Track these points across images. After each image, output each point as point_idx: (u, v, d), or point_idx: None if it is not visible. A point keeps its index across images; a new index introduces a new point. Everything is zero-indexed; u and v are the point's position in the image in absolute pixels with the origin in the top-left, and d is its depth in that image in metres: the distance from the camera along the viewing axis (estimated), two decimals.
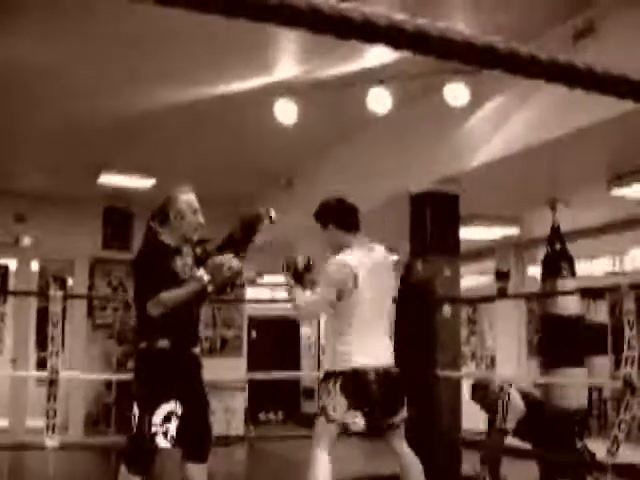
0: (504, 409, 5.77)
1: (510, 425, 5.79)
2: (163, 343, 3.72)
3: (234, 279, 3.95)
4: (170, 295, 3.71)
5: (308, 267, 4.27)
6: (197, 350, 3.93)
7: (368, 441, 4.42)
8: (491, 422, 6.09)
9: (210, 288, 3.82)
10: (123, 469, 3.74)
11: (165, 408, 3.65)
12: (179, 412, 3.70)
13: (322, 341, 14.30)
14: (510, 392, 5.88)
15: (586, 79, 0.93)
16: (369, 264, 4.18)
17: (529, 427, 5.87)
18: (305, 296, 4.20)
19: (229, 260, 3.83)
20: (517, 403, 5.85)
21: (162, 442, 3.66)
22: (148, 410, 3.66)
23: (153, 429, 3.63)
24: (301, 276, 4.24)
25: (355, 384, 4.04)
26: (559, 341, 6.76)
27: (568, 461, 5.64)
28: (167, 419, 3.65)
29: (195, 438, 3.80)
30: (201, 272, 3.78)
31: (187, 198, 3.95)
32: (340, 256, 4.19)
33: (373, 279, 4.16)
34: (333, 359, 4.14)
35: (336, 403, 4.02)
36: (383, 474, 4.62)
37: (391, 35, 0.85)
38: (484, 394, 5.99)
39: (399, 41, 0.87)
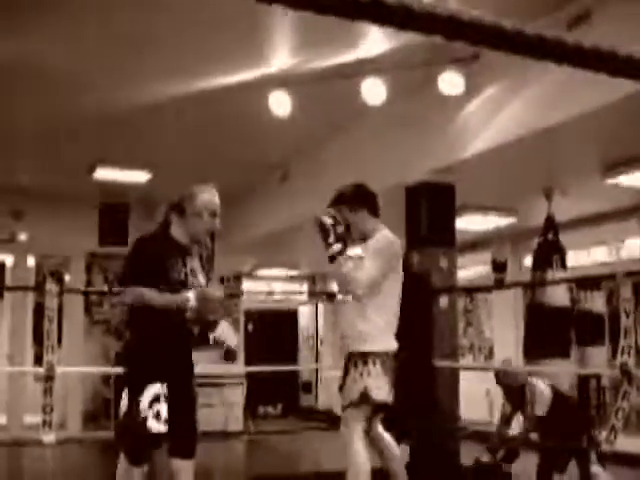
0: (531, 396, 5.74)
1: (540, 412, 5.73)
2: (152, 332, 3.64)
3: (217, 316, 3.75)
4: (149, 293, 3.60)
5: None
6: (179, 339, 3.77)
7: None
8: (510, 413, 6.04)
9: (189, 315, 3.61)
10: (122, 459, 3.64)
11: (151, 390, 3.52)
12: (167, 393, 3.55)
13: (320, 333, 14.33)
14: (534, 379, 5.85)
15: (575, 56, 0.91)
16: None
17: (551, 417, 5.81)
18: (357, 270, 4.08)
19: (221, 299, 3.72)
20: (543, 390, 5.81)
21: (154, 425, 3.50)
22: (135, 394, 3.53)
23: (143, 414, 3.49)
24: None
25: (393, 363, 4.09)
26: (544, 332, 6.78)
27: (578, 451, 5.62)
28: (155, 401, 3.51)
29: (180, 433, 3.65)
30: (190, 295, 3.60)
31: (208, 198, 3.74)
32: (382, 233, 4.21)
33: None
34: (372, 339, 4.09)
35: (380, 383, 4.02)
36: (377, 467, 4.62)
37: (400, 15, 0.83)
38: (508, 380, 5.92)
39: (407, 22, 0.85)
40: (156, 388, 3.55)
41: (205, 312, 3.68)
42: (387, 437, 4.33)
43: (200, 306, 3.62)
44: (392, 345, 4.17)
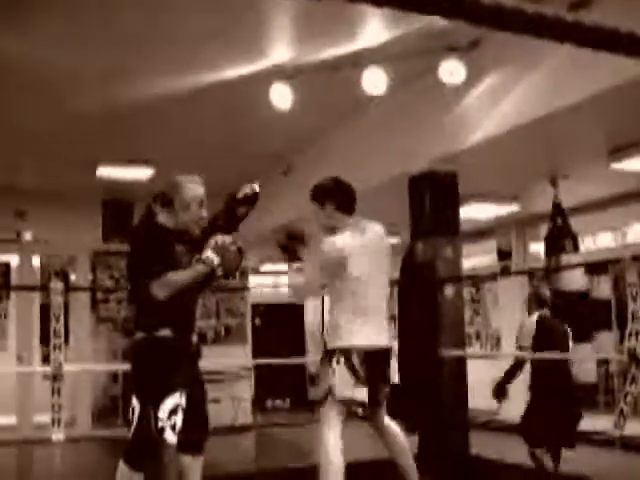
0: None
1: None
2: (164, 332, 3.57)
3: (241, 260, 3.79)
4: (178, 276, 3.57)
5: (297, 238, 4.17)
6: (195, 338, 3.79)
7: (365, 425, 4.38)
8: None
9: (219, 272, 3.66)
10: (122, 465, 3.60)
11: (171, 401, 3.49)
12: (184, 404, 3.54)
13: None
14: None
15: (576, 34, 0.90)
16: (360, 246, 4.15)
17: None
18: (298, 279, 4.16)
19: (234, 240, 3.71)
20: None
21: (170, 437, 3.48)
22: (153, 404, 3.49)
23: (160, 424, 3.46)
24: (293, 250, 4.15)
25: (357, 360, 4.03)
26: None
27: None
28: (173, 412, 3.48)
29: (192, 430, 3.64)
30: (209, 254, 3.61)
31: (195, 189, 3.77)
32: (331, 239, 4.17)
33: (363, 260, 4.14)
34: (334, 337, 4.11)
35: (343, 380, 4.01)
36: (383, 458, 4.60)
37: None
38: None
39: (407, 2, 0.84)
40: (175, 398, 3.52)
41: (229, 262, 3.67)
42: (395, 430, 4.32)
43: (223, 259, 3.63)
44: (362, 341, 4.09)
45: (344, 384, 4.01)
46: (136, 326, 3.71)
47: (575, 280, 6.98)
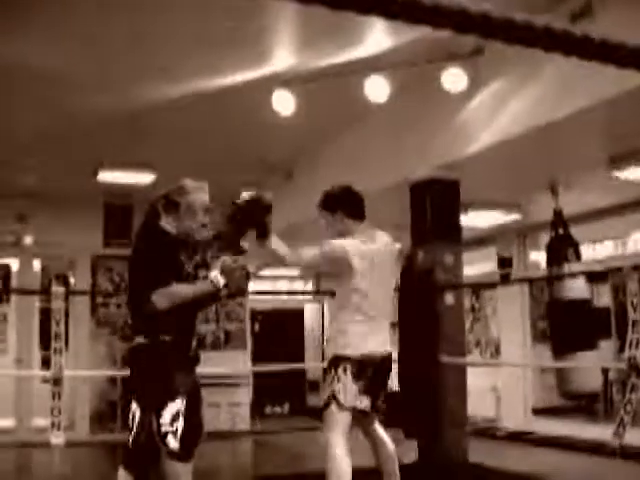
0: None
1: None
2: (164, 337, 3.55)
3: (247, 284, 3.83)
4: (181, 289, 3.58)
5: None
6: (195, 344, 3.78)
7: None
8: None
9: (224, 292, 3.68)
10: (122, 471, 3.58)
11: (173, 407, 3.47)
12: (184, 410, 3.52)
13: (326, 333, 14.32)
14: None
15: (584, 48, 0.91)
16: (367, 252, 4.18)
17: None
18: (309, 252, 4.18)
19: (242, 264, 3.74)
20: None
21: (173, 443, 3.47)
22: (154, 410, 3.48)
23: (163, 429, 3.45)
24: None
25: (362, 369, 4.06)
26: (569, 325, 6.76)
27: None
28: (175, 418, 3.47)
29: (187, 436, 3.58)
30: (216, 274, 3.64)
31: (202, 195, 3.78)
32: (339, 240, 4.21)
33: (371, 267, 4.16)
34: (339, 344, 4.13)
35: (347, 389, 4.03)
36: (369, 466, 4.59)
37: (409, 9, 0.83)
38: None
39: (417, 15, 0.85)
40: (177, 404, 3.50)
41: (235, 285, 3.70)
42: (383, 437, 4.33)
43: (229, 281, 3.65)
44: (367, 348, 4.12)
45: (349, 393, 4.03)
46: (135, 331, 3.70)
47: (577, 288, 6.98)
